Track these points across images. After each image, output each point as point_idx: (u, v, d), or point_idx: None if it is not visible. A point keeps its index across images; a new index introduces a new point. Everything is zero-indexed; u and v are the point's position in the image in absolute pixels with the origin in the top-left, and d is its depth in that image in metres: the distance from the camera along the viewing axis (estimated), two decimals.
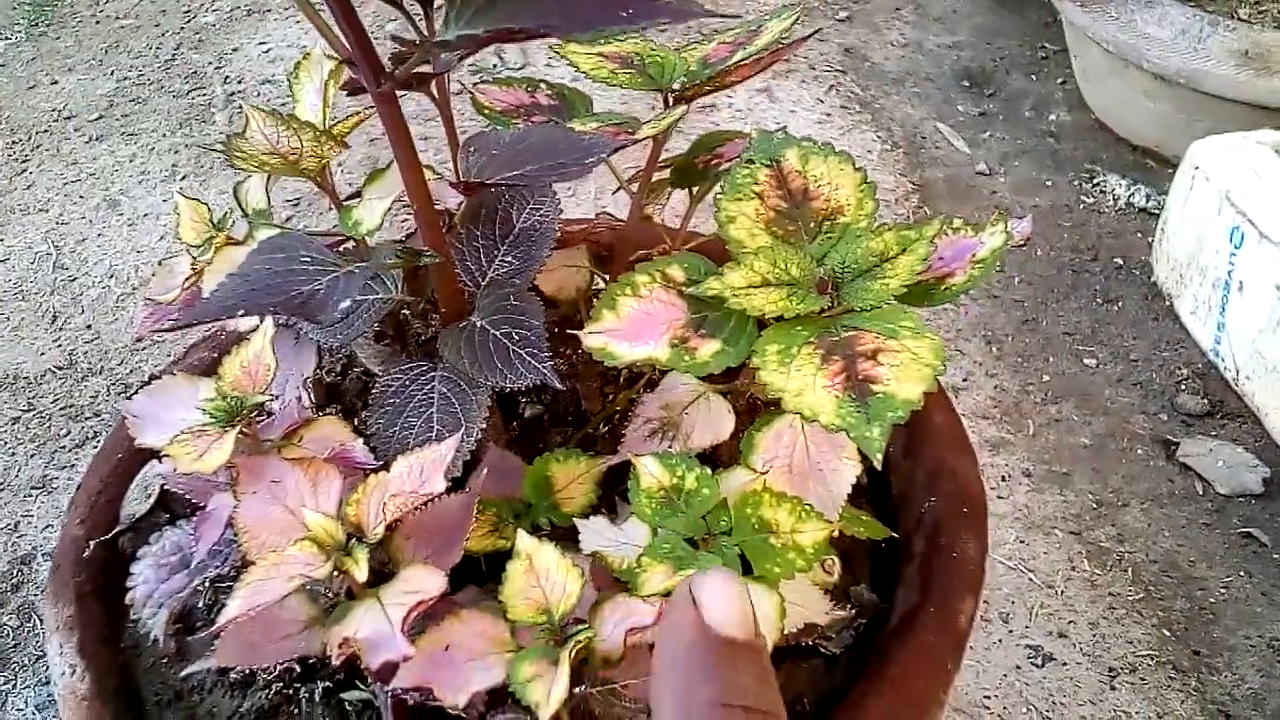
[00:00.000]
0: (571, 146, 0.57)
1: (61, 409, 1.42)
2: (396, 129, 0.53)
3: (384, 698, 0.58)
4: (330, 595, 0.55)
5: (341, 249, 0.64)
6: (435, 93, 0.69)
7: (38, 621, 1.20)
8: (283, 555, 0.51)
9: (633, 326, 0.57)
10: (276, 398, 0.62)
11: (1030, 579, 1.21)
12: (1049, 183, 1.77)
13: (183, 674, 0.59)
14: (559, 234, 0.65)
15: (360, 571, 0.50)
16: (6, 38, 2.09)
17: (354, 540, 0.52)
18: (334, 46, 0.51)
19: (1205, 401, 1.40)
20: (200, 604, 0.65)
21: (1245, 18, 1.68)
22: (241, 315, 0.54)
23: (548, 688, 0.47)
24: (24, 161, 1.80)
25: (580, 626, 0.51)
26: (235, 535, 0.54)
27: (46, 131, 1.86)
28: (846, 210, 0.59)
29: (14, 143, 1.84)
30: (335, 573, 0.51)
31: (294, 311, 0.51)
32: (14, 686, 1.14)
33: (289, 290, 0.53)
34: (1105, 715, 1.09)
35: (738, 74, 0.63)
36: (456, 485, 0.57)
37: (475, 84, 0.70)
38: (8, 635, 1.19)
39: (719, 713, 0.33)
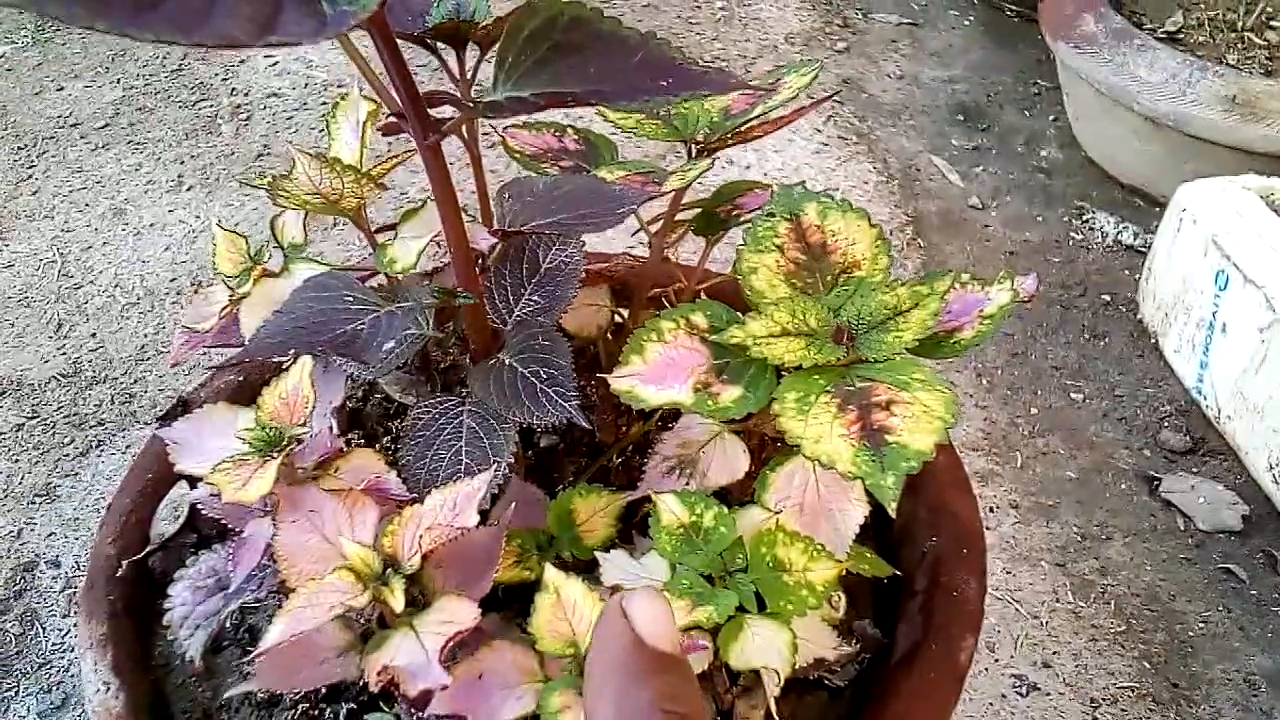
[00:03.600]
0: (604, 197, 0.60)
1: (65, 417, 1.44)
2: (440, 178, 0.55)
3: None
4: (363, 622, 0.57)
5: (373, 284, 0.67)
6: (464, 133, 0.72)
7: (40, 629, 1.22)
8: (322, 584, 0.53)
9: (658, 371, 0.59)
10: (309, 428, 0.65)
11: (1016, 609, 1.24)
12: (1039, 218, 1.81)
13: (225, 695, 0.61)
14: (584, 274, 0.68)
15: (397, 601, 0.53)
16: (13, 42, 2.10)
17: (390, 570, 0.55)
18: (385, 101, 0.53)
19: (1187, 439, 1.44)
20: (227, 624, 0.67)
21: (1233, 64, 1.72)
22: (290, 353, 0.56)
23: (578, 719, 0.50)
24: (30, 168, 1.82)
25: None
26: (273, 562, 0.56)
27: (52, 138, 1.88)
28: (862, 264, 0.62)
29: (20, 148, 1.85)
30: (371, 601, 0.54)
31: (340, 351, 0.54)
32: (16, 693, 1.16)
33: (334, 329, 0.55)
34: None
35: (761, 129, 0.66)
36: (482, 516, 0.59)
37: (505, 128, 0.72)
38: (10, 642, 1.20)
39: (655, 715, 0.36)
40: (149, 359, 1.51)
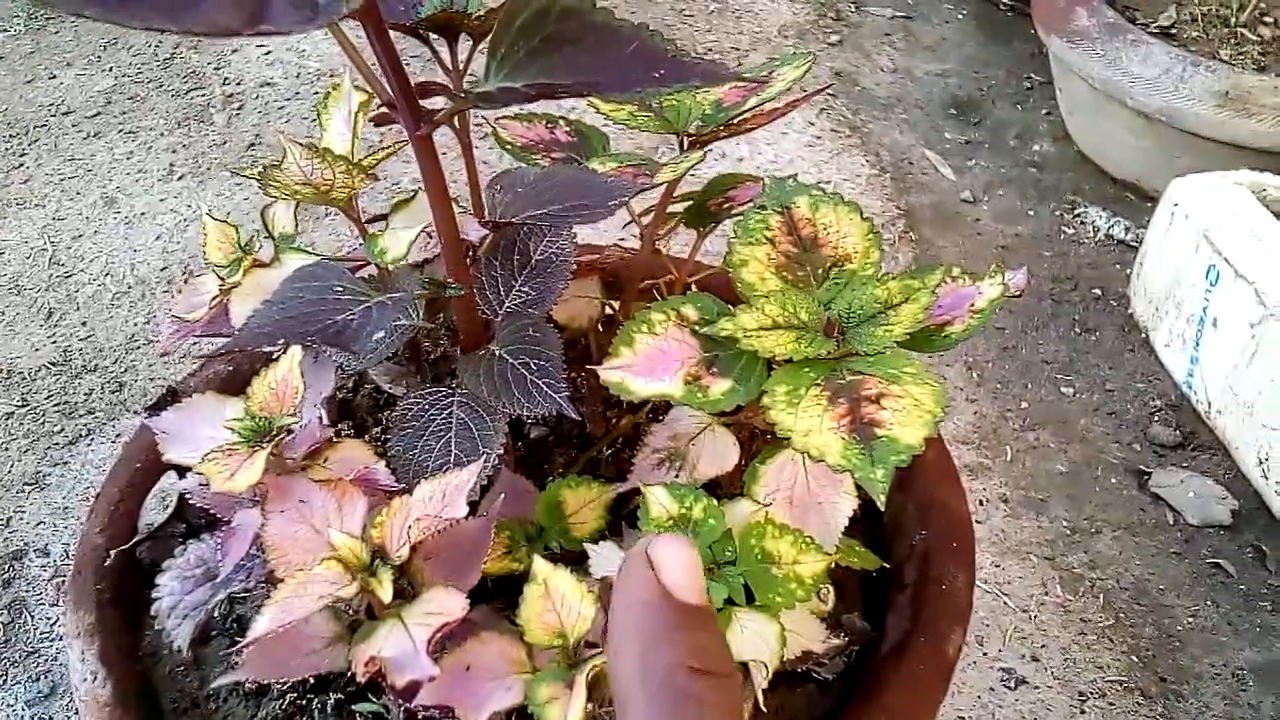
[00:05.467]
0: (595, 188, 0.60)
1: (55, 405, 1.43)
2: (431, 168, 0.55)
3: (397, 711, 0.60)
4: (351, 613, 0.57)
5: (363, 275, 0.67)
6: (456, 123, 0.72)
7: (29, 618, 1.21)
8: (310, 574, 0.53)
9: (648, 363, 0.59)
10: (299, 418, 0.65)
11: (1005, 603, 1.24)
12: (1031, 212, 1.81)
13: (212, 685, 0.61)
14: (574, 266, 0.68)
15: (385, 592, 0.53)
16: (5, 30, 2.09)
17: (378, 561, 0.55)
18: (375, 91, 0.53)
19: (1177, 433, 1.44)
20: (216, 614, 0.67)
21: (1226, 59, 1.73)
22: (280, 343, 0.56)
23: (564, 710, 0.50)
24: (21, 155, 1.81)
25: (594, 650, 0.53)
26: (262, 552, 0.56)
27: (44, 126, 1.87)
28: (853, 258, 0.62)
29: (11, 136, 1.85)
30: (359, 592, 0.54)
31: (329, 341, 0.54)
32: (4, 682, 1.16)
33: (323, 320, 0.55)
34: None
35: (753, 122, 0.65)
36: (471, 507, 0.59)
37: (497, 119, 0.72)
38: None
39: (682, 675, 0.34)
40: (139, 348, 1.51)
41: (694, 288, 0.77)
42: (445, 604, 0.53)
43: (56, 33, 2.09)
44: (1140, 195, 1.83)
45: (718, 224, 0.73)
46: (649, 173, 0.64)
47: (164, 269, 1.62)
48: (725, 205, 0.70)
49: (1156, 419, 1.47)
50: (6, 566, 1.26)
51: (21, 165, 1.79)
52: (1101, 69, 1.71)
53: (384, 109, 0.55)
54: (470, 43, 0.70)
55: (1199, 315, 1.44)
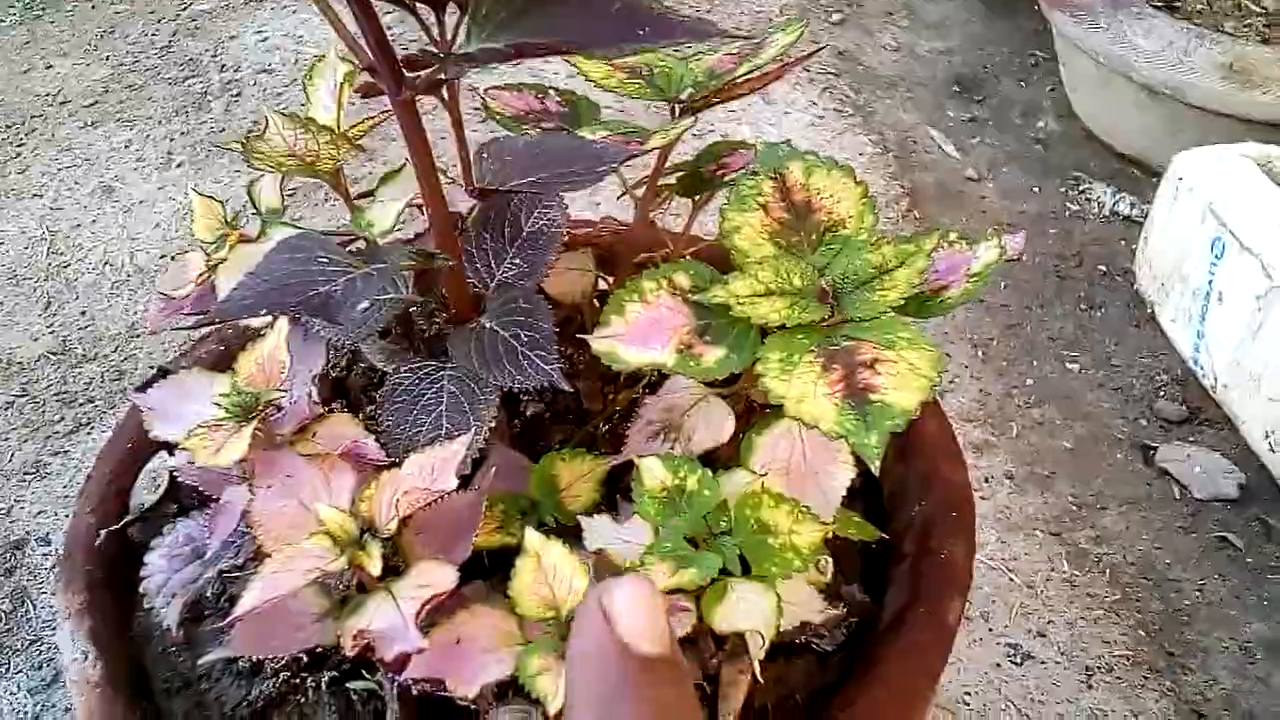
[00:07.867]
0: (584, 155, 0.59)
1: (55, 394, 1.43)
2: (415, 135, 0.54)
3: (390, 688, 0.59)
4: (342, 588, 0.56)
5: (352, 248, 0.66)
6: (445, 95, 0.71)
7: (31, 606, 1.21)
8: (298, 548, 0.52)
9: (640, 331, 0.58)
10: (286, 393, 0.64)
11: (1011, 579, 1.23)
12: (1036, 189, 1.80)
13: (200, 662, 0.60)
14: (566, 237, 0.67)
15: (373, 565, 0.52)
16: (0, 20, 2.08)
17: (366, 535, 0.54)
18: (356, 54, 0.52)
19: (1184, 408, 1.43)
20: (208, 594, 0.66)
21: (1231, 31, 1.71)
22: (262, 314, 0.55)
23: (556, 681, 0.49)
24: (18, 146, 1.80)
25: None
26: (249, 528, 0.55)
27: (41, 116, 1.86)
28: (848, 223, 0.61)
29: (8, 126, 1.84)
30: (348, 566, 0.53)
31: (313, 311, 0.53)
32: (7, 670, 1.15)
33: (307, 290, 0.54)
34: (1082, 714, 1.12)
35: (745, 86, 0.64)
36: (463, 482, 0.59)
37: (487, 89, 0.71)
38: (1, 619, 1.20)
39: None
40: (139, 336, 1.50)
41: None
42: (435, 577, 0.52)
43: (52, 22, 2.08)
44: (1145, 170, 1.81)
45: (713, 193, 0.72)
46: (640, 140, 0.63)
47: (163, 257, 1.62)
48: (719, 172, 0.69)
49: (1162, 394, 1.46)
50: (8, 555, 1.26)
51: (19, 155, 1.79)
52: (1105, 43, 1.69)
53: (369, 79, 0.54)
54: (458, 15, 0.69)
55: (1204, 289, 1.43)
